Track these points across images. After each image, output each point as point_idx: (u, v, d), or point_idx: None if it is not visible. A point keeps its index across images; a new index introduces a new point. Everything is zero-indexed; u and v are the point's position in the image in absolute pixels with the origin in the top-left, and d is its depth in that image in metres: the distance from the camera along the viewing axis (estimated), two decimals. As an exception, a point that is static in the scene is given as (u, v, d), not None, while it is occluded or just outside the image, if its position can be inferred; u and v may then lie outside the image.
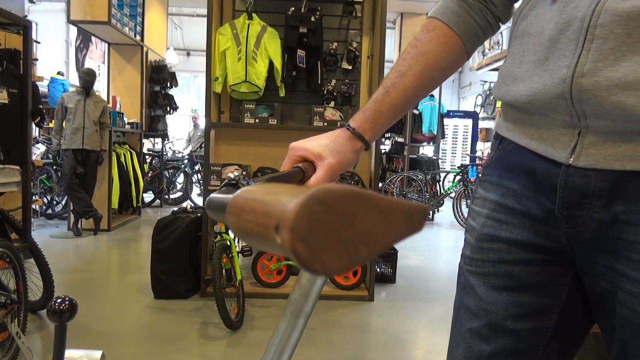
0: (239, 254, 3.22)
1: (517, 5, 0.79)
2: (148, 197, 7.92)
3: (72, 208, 5.45)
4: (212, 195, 0.41)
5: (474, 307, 0.76)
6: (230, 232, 3.23)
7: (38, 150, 6.78)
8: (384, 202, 0.19)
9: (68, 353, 0.51)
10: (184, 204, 7.98)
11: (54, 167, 6.21)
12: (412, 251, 5.33)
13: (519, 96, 0.67)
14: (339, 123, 3.47)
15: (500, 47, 8.51)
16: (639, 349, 0.62)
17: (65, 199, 6.07)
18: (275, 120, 3.55)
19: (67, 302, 0.44)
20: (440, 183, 8.27)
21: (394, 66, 0.80)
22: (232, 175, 0.50)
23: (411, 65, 0.78)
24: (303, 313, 0.47)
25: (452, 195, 7.63)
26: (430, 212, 7.78)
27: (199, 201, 7.59)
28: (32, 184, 3.21)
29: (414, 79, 0.77)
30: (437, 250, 5.82)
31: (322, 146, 0.73)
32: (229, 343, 2.78)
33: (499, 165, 0.75)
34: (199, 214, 3.49)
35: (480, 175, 0.80)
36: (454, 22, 0.78)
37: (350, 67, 3.69)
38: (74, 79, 7.78)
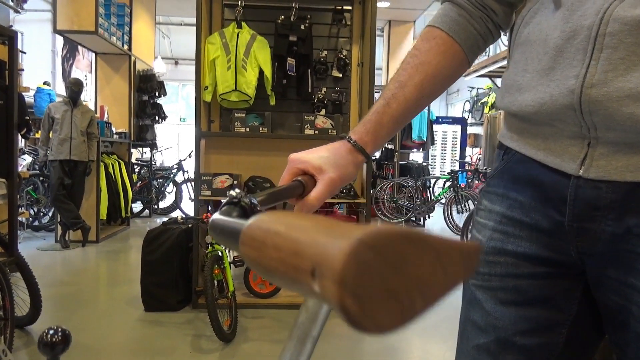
0: (231, 265, 3.18)
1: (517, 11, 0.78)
2: (137, 207, 7.83)
3: (59, 220, 5.36)
4: (217, 217, 0.38)
5: (482, 322, 0.74)
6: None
7: (24, 162, 6.68)
8: (439, 242, 0.17)
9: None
10: (174, 214, 7.90)
11: (41, 178, 6.11)
12: (404, 258, 5.32)
13: (524, 106, 0.66)
14: (330, 131, 3.45)
15: (487, 54, 8.59)
16: None
17: (52, 210, 5.97)
18: (266, 129, 3.52)
19: (59, 334, 0.41)
20: (431, 189, 8.29)
21: (393, 76, 0.79)
22: (233, 193, 0.47)
23: (411, 75, 0.76)
24: (310, 337, 0.44)
25: (443, 201, 7.65)
26: (422, 219, 7.79)
27: (190, 211, 7.51)
28: (18, 196, 3.14)
29: (415, 89, 0.76)
30: (429, 256, 5.80)
31: (322, 159, 0.71)
32: (222, 356, 2.73)
33: (504, 176, 0.73)
34: (189, 225, 3.44)
35: (484, 186, 0.78)
36: (454, 30, 0.77)
37: (340, 75, 3.68)
38: (60, 89, 7.69)
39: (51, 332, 0.41)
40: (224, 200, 0.48)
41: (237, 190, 0.48)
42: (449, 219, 7.26)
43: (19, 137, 3.55)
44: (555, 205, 0.65)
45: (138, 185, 7.75)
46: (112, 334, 3.04)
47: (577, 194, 0.62)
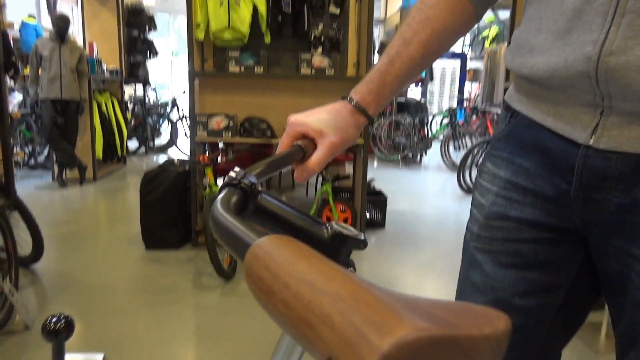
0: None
1: None
2: (133, 145, 7.78)
3: (55, 159, 5.34)
4: (217, 210, 0.37)
5: (480, 283, 0.75)
6: (219, 184, 3.20)
7: (15, 100, 6.54)
8: (470, 341, 0.16)
9: (68, 357, 0.49)
10: (170, 152, 7.89)
11: (33, 117, 6.02)
12: (400, 195, 5.38)
13: (536, 70, 0.63)
14: (327, 71, 3.36)
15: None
16: None
17: (47, 149, 5.93)
18: (262, 68, 3.43)
19: (62, 321, 0.41)
20: (428, 126, 8.24)
21: (398, 32, 0.75)
22: (233, 174, 0.46)
23: (417, 31, 0.72)
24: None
25: (440, 137, 7.63)
26: (418, 156, 7.80)
27: (186, 148, 7.47)
28: (11, 137, 3.10)
29: (420, 46, 0.72)
30: (425, 194, 5.87)
31: (322, 122, 0.68)
32: (223, 293, 2.82)
33: (511, 140, 0.72)
34: (186, 167, 3.44)
35: (489, 148, 0.77)
36: None
37: (337, 12, 3.53)
38: (46, 22, 7.38)
39: (54, 319, 0.41)
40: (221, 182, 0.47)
41: (237, 170, 0.47)
42: (445, 156, 7.28)
43: (7, 78, 3.45)
44: (562, 173, 0.64)
45: (132, 123, 7.66)
46: (115, 272, 3.11)
47: (586, 163, 0.61)
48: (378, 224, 4.14)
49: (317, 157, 0.67)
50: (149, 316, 2.53)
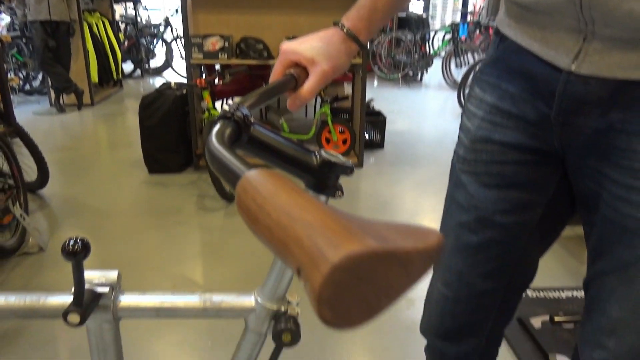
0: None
1: None
2: (128, 67, 7.64)
3: (50, 84, 5.28)
4: (212, 142, 0.40)
5: (465, 203, 0.80)
6: (217, 107, 3.20)
7: (2, 22, 6.33)
8: (403, 252, 0.19)
9: (86, 275, 0.54)
10: (166, 74, 7.75)
11: (23, 40, 5.85)
12: (400, 115, 5.37)
13: None
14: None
15: None
16: (613, 242, 0.68)
17: (41, 73, 5.84)
18: (256, -16, 3.29)
19: (79, 242, 0.46)
20: (430, 42, 8.01)
21: None
22: (227, 108, 0.48)
23: None
24: None
25: (442, 54, 7.45)
26: (419, 74, 7.67)
27: (182, 70, 7.33)
28: (4, 62, 3.05)
29: None
30: (424, 113, 5.85)
31: (314, 50, 0.69)
32: (226, 214, 2.92)
33: (499, 65, 0.73)
34: (184, 90, 3.41)
35: (478, 73, 0.78)
36: None
37: None
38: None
39: (72, 241, 0.46)
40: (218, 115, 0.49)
41: (230, 103, 0.49)
42: (446, 74, 7.15)
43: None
44: (544, 98, 0.66)
45: (126, 44, 7.47)
46: (120, 196, 3.20)
47: (567, 89, 0.63)
48: (377, 144, 4.17)
49: (309, 86, 0.69)
50: (156, 237, 2.64)
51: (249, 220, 0.23)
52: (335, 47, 0.71)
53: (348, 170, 0.52)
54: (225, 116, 0.47)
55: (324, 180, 0.52)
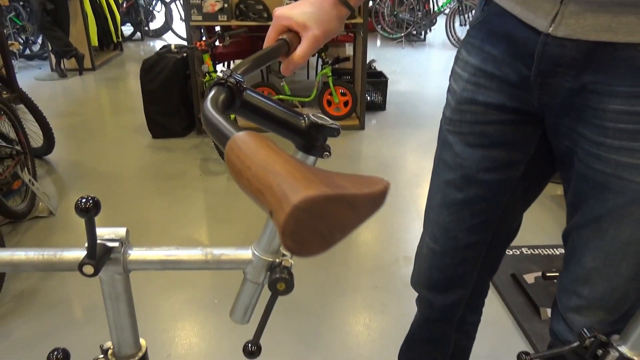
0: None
1: None
2: (127, 30, 7.55)
3: (50, 48, 5.25)
4: (207, 108, 0.44)
5: (451, 162, 0.84)
6: (218, 71, 3.20)
7: (-2, -16, 6.23)
8: (353, 198, 0.24)
9: (98, 231, 0.60)
10: (166, 36, 7.66)
11: (21, 3, 5.79)
12: (402, 76, 5.33)
13: None
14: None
15: None
16: (586, 196, 0.72)
17: (41, 37, 5.80)
18: (254, -57, 3.23)
19: (91, 201, 0.51)
20: (434, 0, 7.84)
21: None
22: (220, 74, 0.52)
23: None
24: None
25: (446, 12, 7.31)
26: (422, 33, 7.55)
27: (182, 32, 7.24)
28: (2, 27, 3.05)
29: None
30: (427, 73, 5.81)
31: (306, 15, 0.72)
32: (229, 177, 2.97)
33: (483, 27, 0.76)
34: (184, 54, 3.40)
35: (465, 35, 0.81)
36: None
37: None
38: None
39: (84, 200, 0.51)
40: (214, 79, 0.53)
41: (224, 69, 0.52)
42: (450, 32, 7.04)
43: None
44: (524, 60, 0.69)
45: (124, 5, 7.36)
46: (125, 160, 3.26)
47: (544, 51, 0.65)
48: (378, 106, 4.17)
49: (301, 51, 0.72)
50: (161, 200, 2.71)
51: (234, 174, 0.27)
52: (327, 12, 0.74)
53: (335, 132, 0.56)
54: (219, 82, 0.51)
55: (312, 141, 0.56)
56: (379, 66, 4.60)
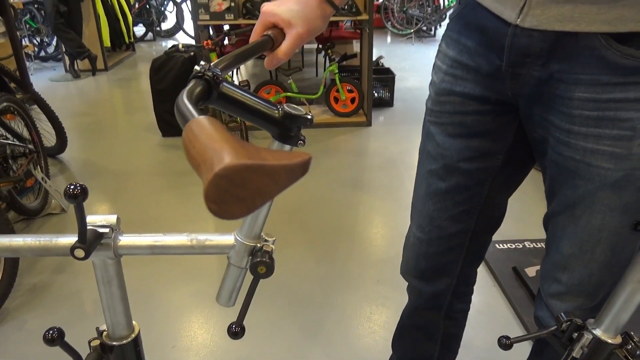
0: (237, 90, 3.28)
1: None
2: (139, 31, 7.66)
3: (64, 50, 5.36)
4: (181, 97, 0.47)
5: (433, 152, 0.86)
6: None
7: (14, -12, 6.37)
8: (270, 167, 0.27)
9: (89, 219, 0.64)
10: (178, 37, 7.75)
11: (36, 5, 5.91)
12: (411, 72, 5.33)
13: None
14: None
15: None
16: (560, 184, 0.75)
17: (55, 39, 5.92)
18: (259, -58, 3.27)
19: (79, 188, 0.55)
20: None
21: None
22: (198, 68, 0.55)
23: None
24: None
25: (455, 8, 7.27)
26: (432, 29, 7.53)
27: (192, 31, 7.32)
28: (17, 30, 3.13)
29: None
30: (436, 69, 5.78)
31: (291, 12, 0.75)
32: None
33: (460, 21, 0.78)
34: (192, 53, 3.46)
35: (445, 29, 0.83)
36: None
37: None
38: None
39: (72, 187, 0.55)
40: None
41: (203, 63, 0.56)
42: (460, 28, 7.00)
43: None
44: (496, 51, 0.71)
45: (136, 6, 7.46)
46: (136, 158, 3.32)
47: (513, 42, 0.68)
48: (386, 102, 4.18)
49: (284, 47, 0.76)
50: (171, 197, 2.77)
51: (185, 151, 0.31)
52: (312, 10, 0.77)
53: (308, 122, 0.59)
54: (196, 75, 0.54)
55: (286, 131, 0.59)
56: (388, 62, 4.61)
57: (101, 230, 0.64)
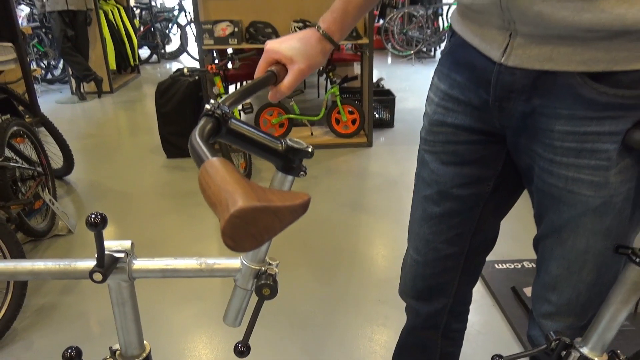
0: (240, 112, 3.35)
1: None
2: (144, 53, 7.80)
3: (71, 72, 5.47)
4: (194, 135, 0.52)
5: (428, 178, 0.91)
6: (229, 92, 3.32)
7: (22, 12, 6.53)
8: (277, 208, 0.32)
9: (106, 244, 0.69)
10: (182, 59, 7.89)
11: (43, 30, 6.05)
12: (411, 93, 5.41)
13: None
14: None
15: None
16: (547, 208, 0.79)
17: (62, 62, 6.04)
18: (262, -30, 3.38)
19: (99, 217, 0.60)
20: (443, 17, 7.95)
21: None
22: (208, 106, 0.60)
23: None
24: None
25: (454, 30, 7.40)
26: (432, 50, 7.65)
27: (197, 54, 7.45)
28: (27, 55, 3.22)
29: None
30: (436, 90, 5.87)
31: (293, 50, 0.81)
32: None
33: (450, 57, 0.84)
34: (197, 77, 3.54)
35: (437, 63, 0.89)
36: None
37: None
38: None
39: (93, 215, 0.60)
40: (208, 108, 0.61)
41: (212, 102, 0.61)
42: (459, 49, 7.11)
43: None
44: (483, 86, 0.77)
45: (141, 30, 7.62)
46: (142, 179, 3.38)
47: (498, 78, 0.73)
48: (387, 123, 4.25)
49: (287, 82, 0.81)
50: (176, 218, 2.81)
51: (201, 190, 0.36)
52: (312, 47, 0.83)
53: (309, 155, 0.64)
54: (207, 114, 0.59)
55: (289, 163, 0.64)
56: (388, 83, 4.69)
57: (117, 255, 0.69)
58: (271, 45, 0.83)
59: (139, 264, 0.71)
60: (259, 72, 0.84)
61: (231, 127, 0.63)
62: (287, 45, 0.82)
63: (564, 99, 0.68)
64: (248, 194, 0.31)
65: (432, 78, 0.90)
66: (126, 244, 0.71)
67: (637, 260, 0.71)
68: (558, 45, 0.65)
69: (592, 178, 0.70)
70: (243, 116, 3.45)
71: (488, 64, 0.74)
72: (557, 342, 0.78)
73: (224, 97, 0.68)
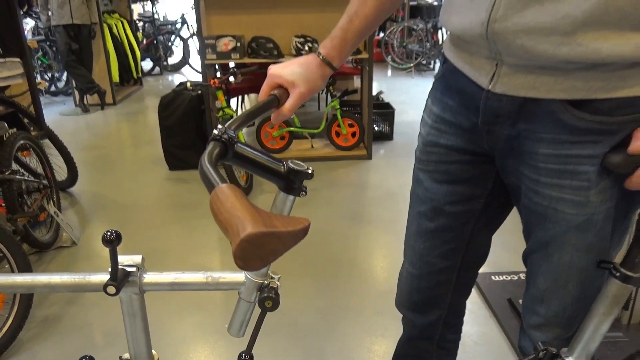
0: (242, 126, 3.40)
1: None
2: (147, 65, 7.89)
3: (75, 85, 5.55)
4: (203, 160, 0.57)
5: (422, 195, 0.96)
6: (231, 105, 3.38)
7: (27, 26, 6.63)
8: (281, 234, 0.37)
9: (119, 258, 0.73)
10: (184, 71, 7.98)
11: (48, 43, 6.14)
12: (410, 106, 5.48)
13: (453, 28, 0.79)
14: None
15: None
16: (534, 225, 0.84)
17: (65, 74, 6.12)
18: (264, -14, 3.45)
19: (114, 234, 0.64)
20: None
21: None
22: (216, 131, 0.65)
23: None
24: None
25: (453, 43, 7.49)
26: (432, 62, 7.74)
27: (199, 67, 7.54)
28: (33, 70, 3.28)
29: (375, 4, 0.87)
30: (435, 102, 5.92)
31: (295, 74, 0.86)
32: (242, 206, 3.10)
33: (442, 82, 0.89)
34: (199, 91, 3.60)
35: (431, 87, 0.94)
36: None
37: None
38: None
39: (109, 232, 0.64)
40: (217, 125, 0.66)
41: (220, 127, 0.66)
42: (458, 62, 7.20)
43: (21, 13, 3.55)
44: (473, 111, 0.82)
45: (144, 42, 7.71)
46: (143, 191, 3.43)
47: (486, 104, 0.78)
48: (386, 136, 4.30)
49: (289, 105, 0.87)
50: (178, 229, 2.86)
51: (213, 215, 0.40)
52: (313, 72, 0.88)
53: (309, 176, 0.69)
54: (215, 138, 0.64)
55: (290, 184, 0.69)
56: (388, 96, 4.75)
57: (129, 269, 0.74)
58: (274, 70, 0.88)
59: (149, 277, 0.75)
60: (263, 95, 0.89)
61: (237, 151, 0.68)
62: (289, 70, 0.87)
63: (547, 124, 0.73)
64: (255, 220, 0.36)
65: (427, 100, 0.95)
66: (137, 258, 0.76)
67: (618, 274, 0.75)
68: (541, 75, 0.71)
69: (573, 197, 0.75)
70: (245, 129, 3.50)
71: (477, 90, 0.79)
72: (545, 352, 0.82)
73: (230, 121, 0.73)
